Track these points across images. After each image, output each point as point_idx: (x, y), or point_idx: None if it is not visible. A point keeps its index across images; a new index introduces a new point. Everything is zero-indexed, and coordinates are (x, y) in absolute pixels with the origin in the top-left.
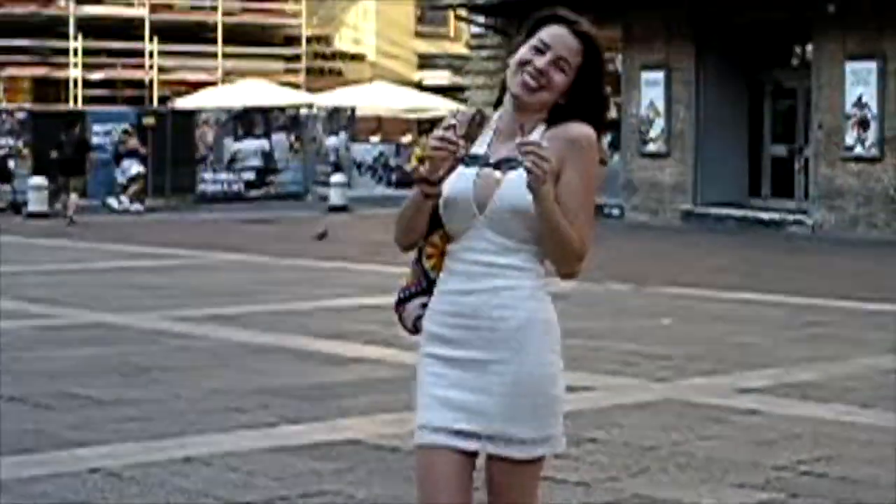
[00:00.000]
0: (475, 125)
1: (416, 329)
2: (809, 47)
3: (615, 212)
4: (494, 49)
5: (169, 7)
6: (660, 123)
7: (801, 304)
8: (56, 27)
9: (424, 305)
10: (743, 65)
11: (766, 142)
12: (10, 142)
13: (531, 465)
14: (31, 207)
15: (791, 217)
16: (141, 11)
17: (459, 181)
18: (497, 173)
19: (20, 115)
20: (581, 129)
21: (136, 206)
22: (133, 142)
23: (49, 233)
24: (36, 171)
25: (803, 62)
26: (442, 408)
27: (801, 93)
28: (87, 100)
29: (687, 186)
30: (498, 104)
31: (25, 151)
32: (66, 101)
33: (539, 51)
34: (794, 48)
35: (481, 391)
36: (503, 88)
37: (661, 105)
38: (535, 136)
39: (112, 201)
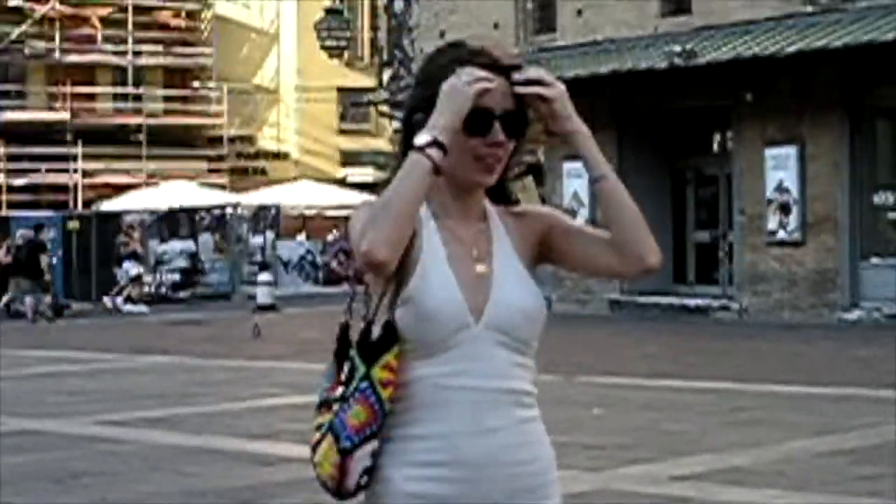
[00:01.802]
0: None
1: (358, 487)
2: (729, 134)
3: None
4: None
5: (91, 111)
6: (584, 213)
7: (729, 389)
8: None
9: (374, 454)
10: (664, 153)
11: (689, 229)
12: None
13: None
14: None
15: (716, 303)
16: (63, 115)
17: (438, 286)
18: (480, 267)
19: None
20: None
21: (141, 308)
22: (134, 245)
23: None
24: None
25: (724, 149)
26: None
27: (722, 179)
28: (10, 205)
29: None
30: None
31: None
32: None
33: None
34: (715, 136)
35: None
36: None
37: (584, 195)
38: (489, 207)
39: (107, 301)
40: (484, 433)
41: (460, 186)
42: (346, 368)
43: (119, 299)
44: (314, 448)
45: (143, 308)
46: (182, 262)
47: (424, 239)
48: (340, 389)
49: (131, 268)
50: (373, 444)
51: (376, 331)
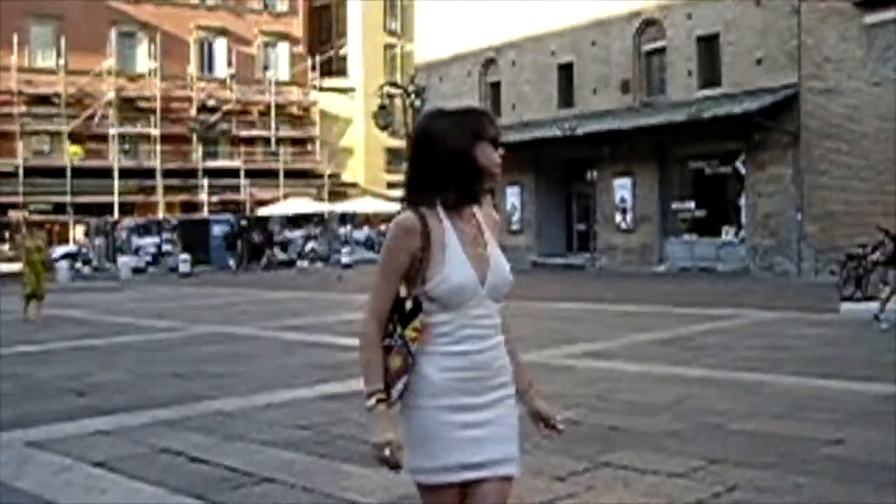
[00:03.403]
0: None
1: (398, 397)
2: (595, 172)
3: None
4: None
5: (253, 160)
6: (518, 214)
7: (597, 308)
8: (192, 173)
9: (405, 384)
10: (561, 181)
11: (574, 222)
12: (169, 235)
13: (512, 481)
14: (181, 269)
15: (588, 262)
16: (238, 163)
17: (460, 269)
18: (481, 250)
19: (174, 221)
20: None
21: (316, 266)
22: (313, 230)
23: (191, 283)
24: (184, 251)
25: (592, 180)
26: (459, 448)
27: (592, 196)
28: (210, 211)
29: (533, 247)
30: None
31: (177, 241)
32: (200, 211)
33: (495, 144)
34: (587, 172)
35: (490, 424)
36: (467, 175)
37: (518, 204)
38: (475, 209)
39: (299, 263)
40: (487, 350)
41: (489, 179)
42: (390, 327)
43: (303, 261)
44: None
45: (317, 265)
46: (301, 242)
47: (446, 236)
48: (387, 340)
49: (310, 244)
50: (405, 379)
51: (408, 305)
